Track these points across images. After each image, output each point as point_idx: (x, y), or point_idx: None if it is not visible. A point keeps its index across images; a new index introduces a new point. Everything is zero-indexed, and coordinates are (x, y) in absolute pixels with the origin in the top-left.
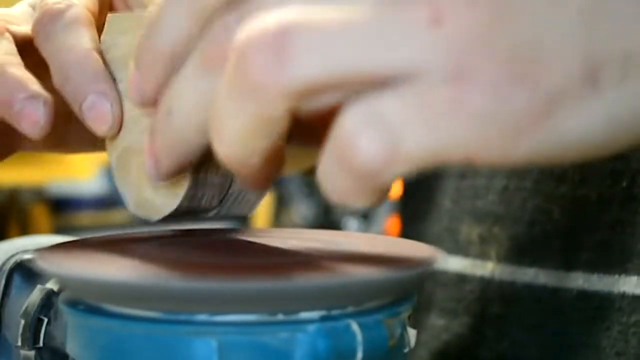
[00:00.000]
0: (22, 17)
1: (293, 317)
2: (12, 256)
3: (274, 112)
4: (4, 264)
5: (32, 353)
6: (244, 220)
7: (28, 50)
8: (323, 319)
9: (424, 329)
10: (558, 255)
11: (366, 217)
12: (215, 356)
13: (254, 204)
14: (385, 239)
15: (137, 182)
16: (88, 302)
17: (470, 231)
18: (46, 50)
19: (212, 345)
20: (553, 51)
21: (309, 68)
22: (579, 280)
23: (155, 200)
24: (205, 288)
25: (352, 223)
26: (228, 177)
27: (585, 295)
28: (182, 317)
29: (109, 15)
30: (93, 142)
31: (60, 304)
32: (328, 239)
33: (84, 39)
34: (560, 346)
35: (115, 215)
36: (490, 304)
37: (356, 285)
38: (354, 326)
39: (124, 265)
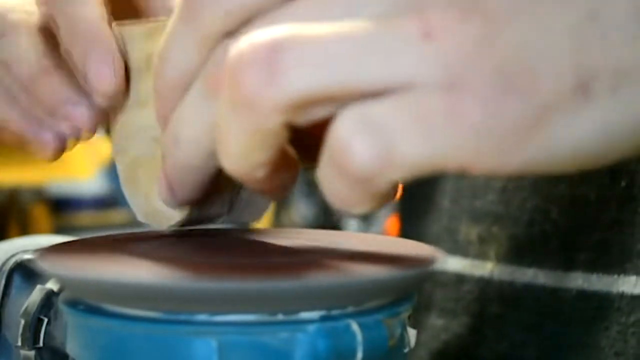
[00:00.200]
0: None
1: (293, 317)
2: (12, 256)
3: (270, 126)
4: (4, 264)
5: (32, 353)
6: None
7: None
8: (323, 319)
9: (423, 329)
10: (557, 255)
11: (366, 217)
12: (215, 356)
13: (263, 209)
14: (386, 239)
15: (147, 193)
16: (88, 302)
17: (469, 231)
18: (58, 18)
19: (212, 345)
20: (544, 63)
21: (301, 81)
22: (578, 280)
23: (165, 210)
24: (205, 288)
25: (352, 223)
26: (237, 184)
27: (584, 295)
28: (182, 317)
29: (117, 28)
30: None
31: (60, 304)
32: (328, 239)
33: (94, 9)
34: (559, 346)
35: (115, 215)
36: (490, 304)
37: (356, 285)
38: (354, 326)
39: (124, 265)
